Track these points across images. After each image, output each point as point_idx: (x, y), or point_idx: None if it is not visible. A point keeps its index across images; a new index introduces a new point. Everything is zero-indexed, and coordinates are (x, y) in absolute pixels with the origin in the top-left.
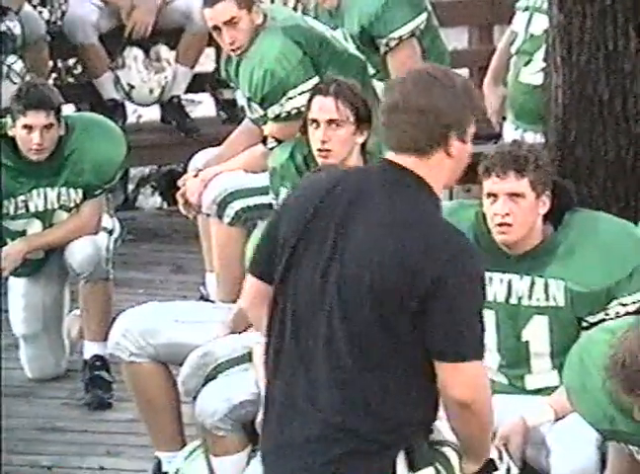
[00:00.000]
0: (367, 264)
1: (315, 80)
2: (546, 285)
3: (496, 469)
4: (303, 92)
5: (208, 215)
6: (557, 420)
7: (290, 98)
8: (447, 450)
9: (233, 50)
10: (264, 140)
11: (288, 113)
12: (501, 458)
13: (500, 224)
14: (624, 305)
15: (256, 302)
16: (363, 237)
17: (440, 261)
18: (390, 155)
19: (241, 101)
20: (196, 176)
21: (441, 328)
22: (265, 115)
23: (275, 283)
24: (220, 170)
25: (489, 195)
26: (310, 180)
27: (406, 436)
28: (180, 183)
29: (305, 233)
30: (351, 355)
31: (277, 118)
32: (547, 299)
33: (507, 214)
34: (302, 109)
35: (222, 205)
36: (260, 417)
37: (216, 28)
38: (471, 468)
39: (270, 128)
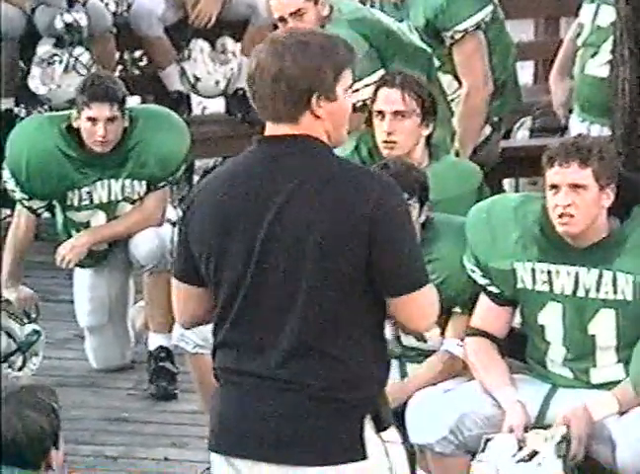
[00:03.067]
0: (304, 228)
1: (381, 72)
2: (615, 279)
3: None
4: (369, 84)
5: None
6: (622, 413)
7: (356, 90)
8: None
9: None
10: None
11: (354, 105)
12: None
13: (561, 215)
14: None
15: None
16: (289, 211)
17: (371, 203)
18: (268, 126)
19: None
20: None
21: (389, 265)
22: None
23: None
24: None
25: (552, 186)
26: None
27: (370, 397)
28: None
29: (224, 230)
30: (310, 314)
31: None
32: (615, 293)
33: (568, 205)
34: (367, 101)
35: None
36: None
37: (282, 19)
38: None
39: None
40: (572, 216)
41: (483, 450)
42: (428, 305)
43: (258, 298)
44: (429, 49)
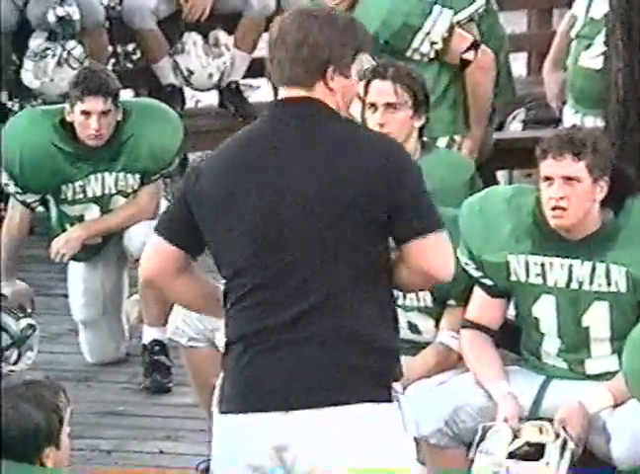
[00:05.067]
0: (314, 192)
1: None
2: (608, 271)
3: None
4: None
5: None
6: (617, 405)
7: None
8: None
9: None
10: None
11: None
12: (564, 445)
13: (554, 208)
14: None
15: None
16: (295, 174)
17: (383, 158)
18: (281, 91)
19: None
20: None
21: (405, 210)
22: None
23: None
24: None
25: (545, 178)
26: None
27: (393, 360)
28: None
29: (231, 189)
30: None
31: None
32: (609, 285)
33: (561, 198)
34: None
35: None
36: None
37: None
38: None
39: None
40: (565, 209)
41: (483, 439)
42: (445, 252)
43: (275, 256)
44: None
